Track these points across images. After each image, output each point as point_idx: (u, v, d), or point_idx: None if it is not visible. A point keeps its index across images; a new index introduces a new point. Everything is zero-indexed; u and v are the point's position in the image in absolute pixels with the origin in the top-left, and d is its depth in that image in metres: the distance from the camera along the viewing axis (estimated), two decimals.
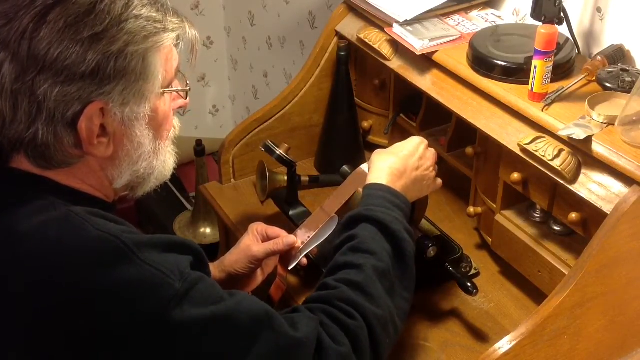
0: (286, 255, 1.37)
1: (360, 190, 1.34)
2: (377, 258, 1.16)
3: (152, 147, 1.07)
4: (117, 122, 1.00)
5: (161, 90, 1.04)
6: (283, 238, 1.36)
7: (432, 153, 1.35)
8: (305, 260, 1.40)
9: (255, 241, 1.38)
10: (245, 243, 1.38)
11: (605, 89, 1.30)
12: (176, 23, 1.04)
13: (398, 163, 1.29)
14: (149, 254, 0.95)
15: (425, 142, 1.36)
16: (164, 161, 1.12)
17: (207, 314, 0.96)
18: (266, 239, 1.38)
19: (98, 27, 0.95)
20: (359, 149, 1.79)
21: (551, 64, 1.27)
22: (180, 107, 1.13)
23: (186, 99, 1.14)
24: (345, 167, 1.49)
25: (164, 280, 0.94)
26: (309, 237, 1.36)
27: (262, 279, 1.42)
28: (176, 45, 1.07)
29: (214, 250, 1.95)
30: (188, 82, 1.13)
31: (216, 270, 1.37)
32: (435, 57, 1.47)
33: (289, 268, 1.38)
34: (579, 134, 1.18)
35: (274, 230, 1.39)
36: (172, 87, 1.08)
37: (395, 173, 1.27)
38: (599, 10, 1.43)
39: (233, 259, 1.37)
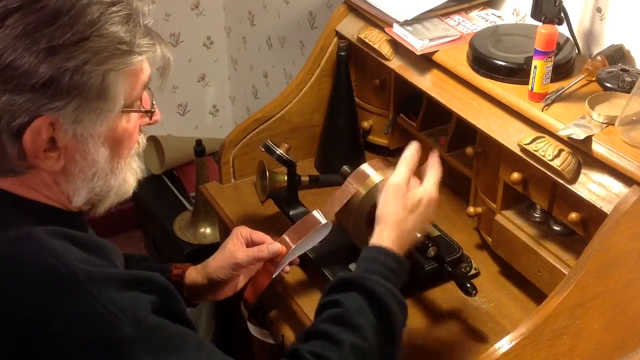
0: (269, 261, 1.35)
1: (362, 191, 1.34)
2: (360, 335, 1.07)
3: (108, 165, 1.01)
4: (68, 137, 0.95)
5: (122, 110, 0.98)
6: (268, 245, 1.33)
7: (435, 202, 1.24)
8: (288, 268, 1.37)
9: (239, 245, 1.35)
10: (229, 249, 1.35)
11: (605, 89, 1.30)
12: (145, 45, 0.97)
13: (409, 221, 1.20)
14: (104, 290, 0.90)
15: (431, 194, 1.23)
16: (124, 179, 1.05)
17: None
18: (250, 243, 1.36)
19: (57, 40, 0.90)
20: (359, 149, 1.79)
21: (551, 64, 1.27)
22: (148, 124, 1.08)
23: (151, 119, 1.07)
24: (345, 167, 1.49)
25: (113, 323, 0.89)
26: (300, 241, 1.33)
27: (244, 284, 1.40)
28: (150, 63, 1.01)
29: (214, 251, 1.94)
30: (154, 102, 1.07)
31: (199, 275, 1.35)
32: (435, 57, 1.47)
33: (273, 276, 1.35)
34: (579, 134, 1.18)
35: (258, 235, 1.36)
36: (136, 107, 1.02)
37: (401, 235, 1.19)
38: (599, 10, 1.43)
39: (217, 265, 1.34)
